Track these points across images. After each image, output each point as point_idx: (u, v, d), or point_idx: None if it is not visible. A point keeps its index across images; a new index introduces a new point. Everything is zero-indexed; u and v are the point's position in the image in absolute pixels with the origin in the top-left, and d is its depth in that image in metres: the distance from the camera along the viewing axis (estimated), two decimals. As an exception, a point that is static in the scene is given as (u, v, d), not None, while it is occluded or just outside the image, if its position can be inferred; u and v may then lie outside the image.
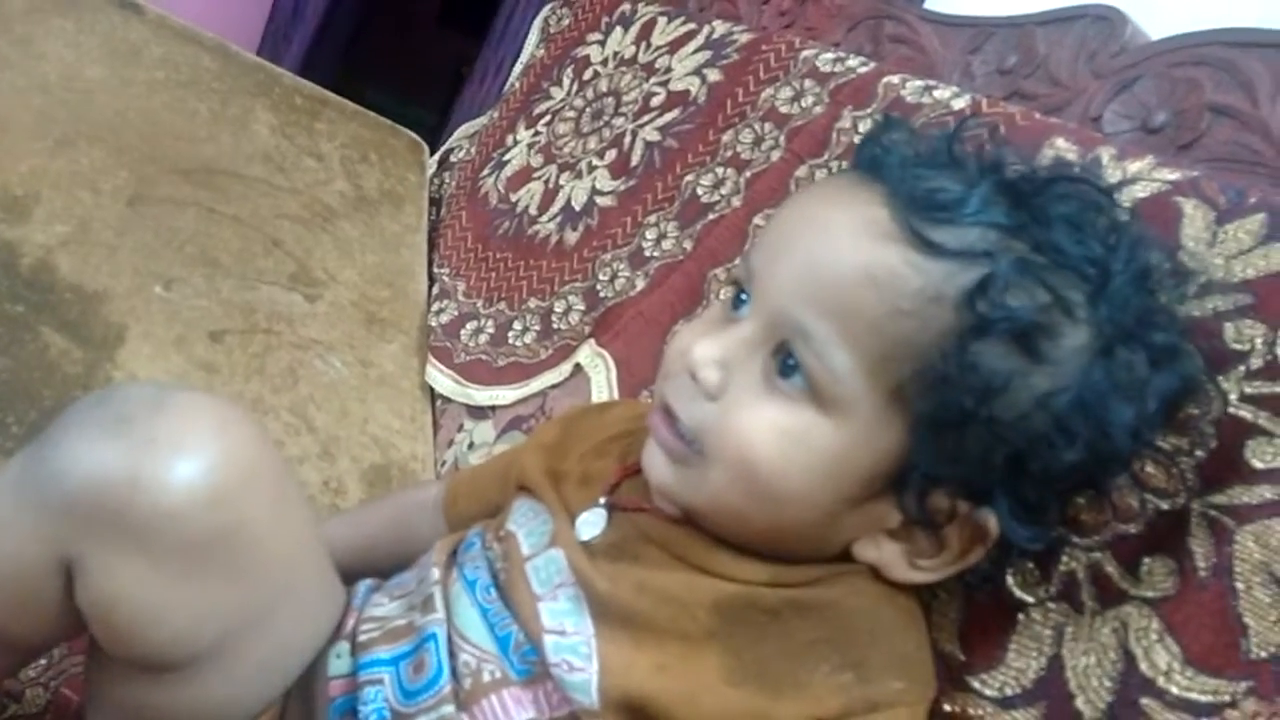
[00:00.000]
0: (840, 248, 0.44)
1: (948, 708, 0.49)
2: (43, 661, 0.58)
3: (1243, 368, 0.49)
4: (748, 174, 0.82)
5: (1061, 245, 0.42)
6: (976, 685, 0.49)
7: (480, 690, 0.45)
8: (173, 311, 0.84)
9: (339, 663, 0.48)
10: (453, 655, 0.46)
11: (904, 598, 0.47)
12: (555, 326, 0.88)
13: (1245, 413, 0.48)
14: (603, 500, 0.51)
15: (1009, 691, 0.48)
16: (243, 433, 0.44)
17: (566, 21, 1.17)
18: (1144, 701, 0.44)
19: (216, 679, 0.45)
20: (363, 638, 0.49)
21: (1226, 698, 0.42)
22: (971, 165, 0.46)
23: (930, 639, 0.49)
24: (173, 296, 0.85)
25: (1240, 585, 0.43)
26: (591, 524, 0.50)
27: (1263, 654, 0.42)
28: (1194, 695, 0.43)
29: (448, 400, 0.92)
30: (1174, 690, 0.43)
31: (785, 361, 0.44)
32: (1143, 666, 0.44)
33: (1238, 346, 0.49)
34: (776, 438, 0.44)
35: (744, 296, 0.47)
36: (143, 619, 0.42)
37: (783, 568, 0.46)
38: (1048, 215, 0.43)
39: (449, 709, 0.44)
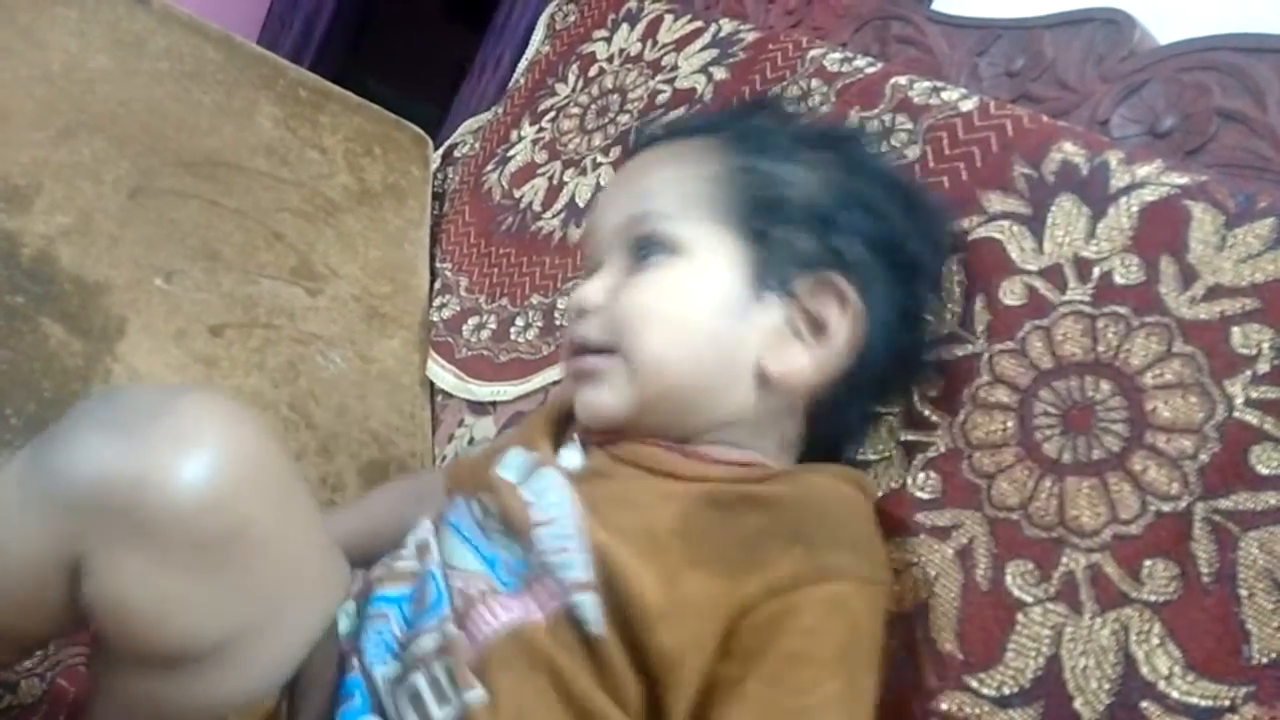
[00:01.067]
0: (631, 169, 0.62)
1: (945, 706, 0.49)
2: (39, 653, 0.58)
3: (1249, 372, 0.49)
4: (752, 173, 0.82)
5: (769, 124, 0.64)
6: (974, 684, 0.49)
7: (470, 604, 0.47)
8: (173, 304, 0.83)
9: (345, 622, 0.49)
10: (449, 584, 0.48)
11: (851, 489, 0.53)
12: (558, 323, 0.88)
13: (1251, 417, 0.47)
14: (575, 436, 0.57)
15: (1006, 691, 0.48)
16: (249, 432, 0.45)
17: (572, 18, 1.16)
18: (1144, 705, 0.44)
19: (226, 671, 0.45)
20: (369, 587, 0.51)
21: (1226, 703, 0.41)
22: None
23: (928, 636, 0.50)
24: (173, 289, 0.85)
25: (1244, 592, 0.43)
26: (569, 457, 0.56)
27: (1264, 660, 0.41)
28: (1194, 700, 0.42)
29: (449, 396, 0.92)
30: (1174, 695, 0.43)
31: (639, 251, 0.57)
32: (1144, 670, 0.44)
33: (1244, 351, 0.49)
34: (658, 293, 0.55)
35: (595, 260, 0.60)
36: (150, 616, 0.42)
37: (740, 469, 0.54)
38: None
39: (450, 628, 0.46)
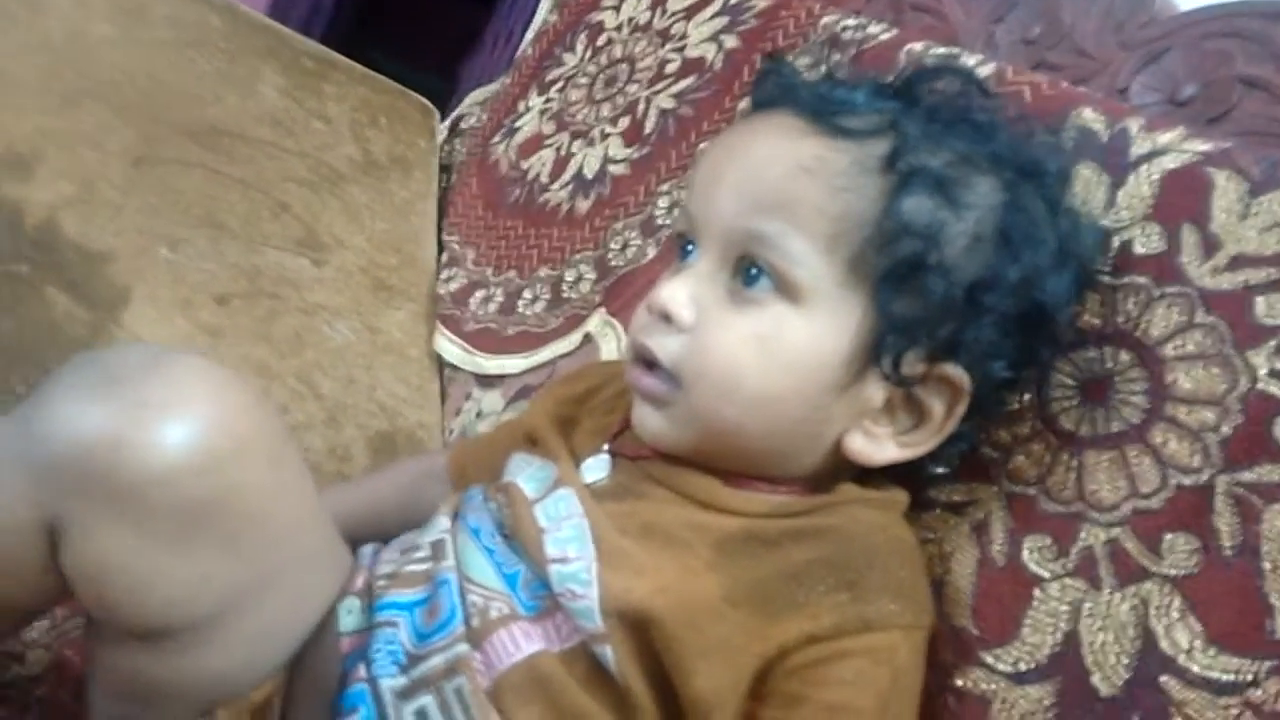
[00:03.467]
0: (768, 157, 0.49)
1: (959, 683, 0.49)
2: (45, 622, 0.57)
3: (1273, 342, 0.48)
4: (763, 143, 0.80)
5: (946, 116, 0.50)
6: (990, 660, 0.49)
7: (489, 627, 0.45)
8: (178, 274, 0.83)
9: (350, 619, 0.48)
10: (463, 597, 0.47)
11: (900, 528, 0.50)
12: (565, 295, 0.87)
13: (1275, 389, 0.47)
14: (606, 447, 0.53)
15: (1023, 667, 0.47)
16: (239, 398, 0.43)
17: (580, -13, 1.14)
18: (1163, 679, 0.43)
19: (215, 649, 0.44)
20: (378, 591, 0.48)
21: (1249, 676, 0.41)
22: (849, 78, 0.55)
23: (943, 612, 0.49)
24: (178, 258, 0.84)
25: (1267, 565, 0.43)
26: (595, 469, 0.52)
27: (1289, 634, 0.41)
28: (1215, 674, 0.42)
29: (456, 368, 0.91)
30: (1195, 669, 0.42)
31: (748, 273, 0.48)
32: (1163, 644, 0.44)
33: (1269, 321, 0.48)
34: (754, 343, 0.47)
35: (690, 246, 0.51)
36: (131, 586, 0.41)
37: (782, 499, 0.49)
38: (922, 98, 0.51)
39: (463, 647, 0.44)
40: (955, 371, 0.48)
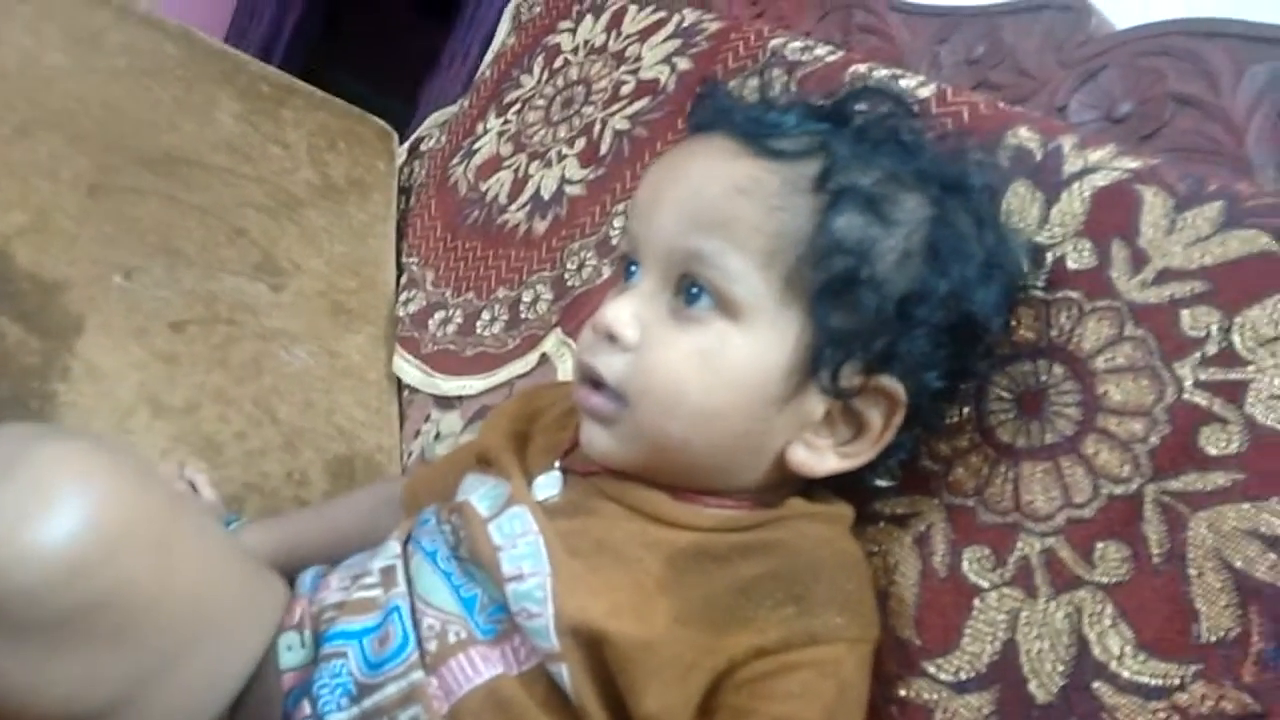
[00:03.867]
0: (705, 177, 0.50)
1: (903, 693, 0.50)
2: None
3: (1198, 354, 0.49)
4: (716, 163, 0.82)
5: (875, 136, 0.51)
6: (932, 670, 0.49)
7: (446, 651, 0.45)
8: (133, 302, 0.83)
9: (291, 655, 0.47)
10: (416, 623, 0.46)
11: (846, 542, 0.51)
12: (523, 316, 0.88)
13: (1200, 399, 0.48)
14: (557, 464, 0.53)
15: (963, 676, 0.48)
16: (111, 484, 0.41)
17: (538, 10, 1.15)
18: (1096, 685, 0.44)
19: None
20: (325, 622, 0.48)
21: (1176, 681, 0.42)
22: (781, 100, 0.56)
23: (887, 624, 0.50)
24: (133, 286, 0.84)
25: (1193, 571, 0.44)
26: (547, 486, 0.52)
27: (1212, 638, 0.42)
28: (1144, 679, 0.43)
29: (415, 390, 0.91)
30: (1125, 674, 0.43)
31: (689, 291, 0.49)
32: (1095, 651, 0.45)
33: (1193, 333, 0.50)
34: (697, 360, 0.48)
35: (634, 267, 0.52)
36: (19, 692, 0.39)
37: (730, 513, 0.50)
38: (851, 119, 0.53)
39: (418, 674, 0.44)
40: (891, 383, 0.49)
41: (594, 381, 0.50)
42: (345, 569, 0.53)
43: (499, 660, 0.45)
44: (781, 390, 0.48)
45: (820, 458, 0.50)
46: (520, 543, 0.47)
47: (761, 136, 0.50)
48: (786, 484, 0.52)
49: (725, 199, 0.48)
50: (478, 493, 0.53)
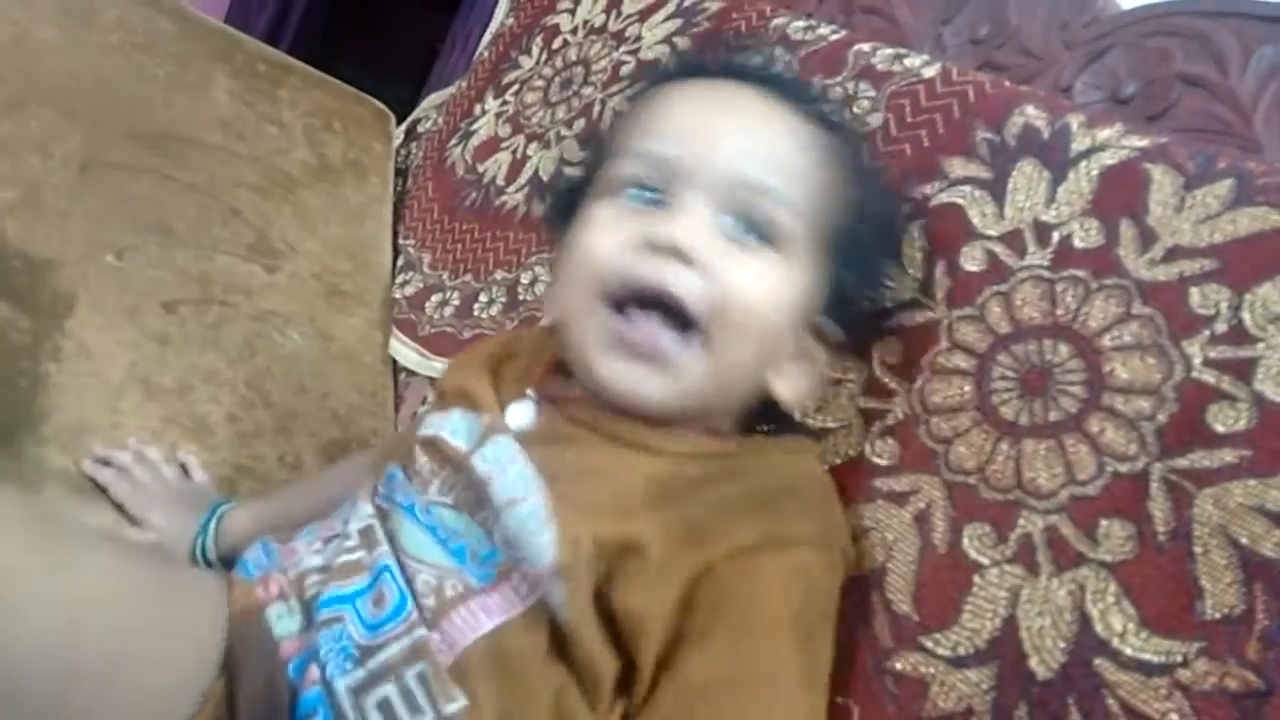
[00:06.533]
0: (770, 123, 0.54)
1: (898, 665, 0.49)
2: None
3: (1207, 332, 0.48)
4: (716, 143, 0.81)
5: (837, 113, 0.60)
6: (929, 645, 0.49)
7: (446, 606, 0.45)
8: (125, 281, 0.81)
9: (285, 622, 0.47)
10: (409, 580, 0.46)
11: (814, 468, 0.55)
12: (521, 298, 0.87)
13: (1208, 377, 0.47)
14: (530, 392, 0.54)
15: (961, 651, 0.48)
16: None
17: (537, -9, 1.14)
18: (1097, 662, 0.43)
19: None
20: (312, 592, 0.47)
21: (1179, 658, 0.41)
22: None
23: (884, 598, 0.50)
24: (125, 265, 0.82)
25: (1198, 549, 0.43)
26: (519, 415, 0.53)
27: (1217, 615, 0.41)
28: (1147, 656, 0.42)
29: (411, 373, 0.91)
30: (1128, 651, 0.43)
31: (744, 223, 0.51)
32: (1098, 628, 0.44)
33: (1203, 311, 0.49)
34: (768, 282, 0.51)
35: (653, 193, 0.52)
36: None
37: (707, 442, 0.52)
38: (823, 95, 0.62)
39: (420, 631, 0.44)
40: (832, 326, 0.55)
41: (657, 307, 0.49)
42: (310, 534, 0.52)
43: (499, 605, 0.45)
44: (793, 322, 0.53)
45: (792, 384, 0.54)
46: (509, 469, 0.47)
47: (809, 100, 0.57)
48: (751, 418, 0.56)
49: (789, 147, 0.53)
50: (446, 428, 0.52)
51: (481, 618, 0.45)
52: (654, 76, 0.62)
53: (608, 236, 0.51)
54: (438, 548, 0.48)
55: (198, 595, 0.50)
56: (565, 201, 0.59)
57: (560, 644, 0.45)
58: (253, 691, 0.46)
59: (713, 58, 0.60)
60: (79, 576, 0.44)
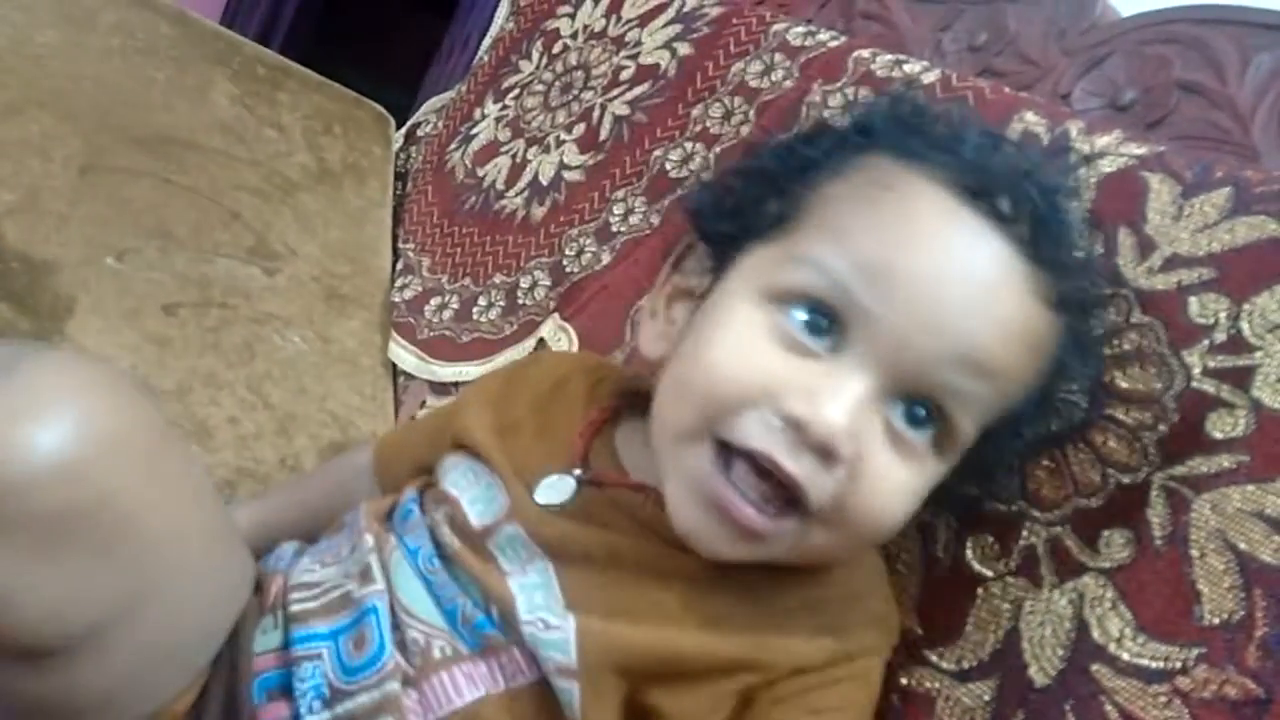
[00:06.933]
0: (1005, 313, 0.42)
1: (905, 682, 0.49)
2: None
3: (1206, 342, 0.48)
4: (717, 149, 0.81)
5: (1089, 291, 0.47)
6: (934, 659, 0.49)
7: (430, 667, 0.43)
8: (125, 283, 0.81)
9: (265, 637, 0.46)
10: (397, 629, 0.45)
11: (871, 556, 0.50)
12: (520, 302, 0.87)
13: (1208, 386, 0.47)
14: (576, 472, 0.48)
15: (966, 664, 0.48)
16: (109, 400, 0.40)
17: (537, -5, 1.15)
18: (1094, 668, 0.43)
19: (99, 667, 0.41)
20: (295, 608, 0.46)
21: (1178, 664, 0.41)
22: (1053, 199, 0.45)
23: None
24: (125, 268, 0.82)
25: (1195, 552, 0.43)
26: (555, 491, 0.48)
27: (1215, 620, 0.41)
28: (1145, 661, 0.42)
29: (410, 377, 0.91)
30: (1125, 657, 0.43)
31: (916, 415, 0.42)
32: (1095, 634, 0.44)
33: (1202, 321, 0.49)
34: (910, 497, 0.43)
35: (827, 325, 0.42)
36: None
37: None
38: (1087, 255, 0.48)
39: (393, 685, 0.43)
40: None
41: (769, 479, 0.41)
42: (316, 552, 0.51)
43: (484, 677, 0.43)
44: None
45: None
46: (530, 571, 0.45)
47: (1058, 275, 0.43)
48: None
49: (1018, 352, 0.42)
50: (469, 493, 0.49)
51: (463, 686, 0.43)
52: (898, 135, 0.46)
53: (750, 368, 0.42)
54: (432, 605, 0.45)
55: (242, 553, 0.49)
56: (725, 234, 0.48)
57: (549, 717, 0.42)
58: (219, 696, 0.45)
59: (984, 151, 0.45)
60: (174, 453, 0.44)
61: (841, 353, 0.41)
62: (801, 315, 0.42)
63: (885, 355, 0.41)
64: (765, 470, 0.40)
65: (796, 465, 0.40)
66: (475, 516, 0.48)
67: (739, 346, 0.43)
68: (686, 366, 0.45)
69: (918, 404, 0.42)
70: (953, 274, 0.41)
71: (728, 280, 0.46)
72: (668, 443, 0.44)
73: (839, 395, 0.40)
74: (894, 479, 0.42)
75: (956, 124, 0.47)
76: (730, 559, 0.43)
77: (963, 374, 0.41)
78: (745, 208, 0.48)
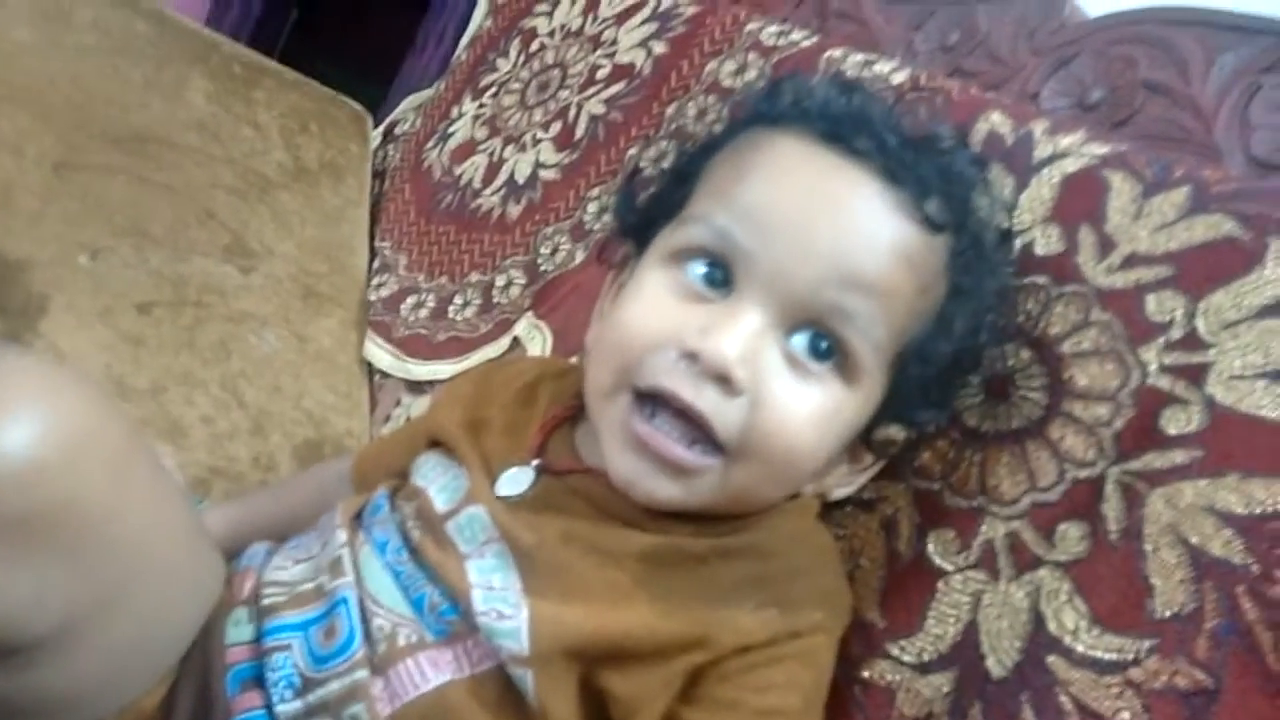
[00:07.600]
0: (871, 232, 0.46)
1: (865, 674, 0.50)
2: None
3: (1163, 339, 0.49)
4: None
5: (978, 207, 0.51)
6: (895, 652, 0.49)
7: (396, 654, 0.44)
8: (99, 282, 0.81)
9: (237, 630, 0.46)
10: (365, 619, 0.45)
11: (819, 535, 0.51)
12: (496, 300, 0.87)
13: (1163, 383, 0.48)
14: (533, 463, 0.51)
15: (926, 657, 0.48)
16: (73, 402, 0.40)
17: (515, -7, 1.15)
18: (1050, 660, 0.44)
19: (66, 667, 0.41)
20: (266, 602, 0.47)
21: (1130, 656, 0.42)
22: (912, 135, 0.50)
23: (852, 608, 0.50)
24: (99, 267, 0.82)
25: (1149, 547, 0.44)
26: (514, 482, 0.50)
27: (1167, 613, 0.42)
28: (1099, 654, 0.43)
29: (386, 375, 0.91)
30: (1080, 649, 0.44)
31: (817, 345, 0.45)
32: (1051, 626, 0.45)
33: (1158, 319, 0.50)
34: (819, 422, 0.45)
35: (721, 275, 0.46)
36: None
37: (705, 519, 0.48)
38: (960, 177, 0.51)
39: (362, 673, 0.43)
40: (896, 432, 0.51)
41: (686, 415, 0.44)
42: (287, 552, 0.52)
43: (449, 664, 0.44)
44: (841, 444, 0.49)
45: (836, 487, 0.52)
46: (487, 552, 0.46)
47: (921, 194, 0.46)
48: None
49: (892, 266, 0.45)
50: (436, 483, 0.51)
51: (429, 672, 0.44)
52: (766, 107, 0.53)
53: (654, 319, 0.46)
54: (398, 593, 0.46)
55: (212, 555, 0.49)
56: (641, 222, 0.53)
57: (513, 703, 0.43)
58: (192, 688, 0.45)
59: (836, 103, 0.50)
60: (141, 457, 0.44)
61: (734, 294, 0.46)
62: (700, 269, 0.47)
63: (770, 288, 0.45)
64: (682, 413, 0.44)
65: (698, 396, 0.44)
66: (441, 503, 0.49)
67: (645, 303, 0.47)
68: (604, 331, 0.50)
69: (820, 336, 0.45)
70: (816, 205, 0.46)
71: (641, 260, 0.51)
72: (596, 404, 0.48)
73: (729, 327, 0.44)
74: (799, 405, 0.45)
75: (815, 87, 0.53)
76: (666, 501, 0.46)
77: (842, 292, 0.44)
78: (654, 198, 0.54)
